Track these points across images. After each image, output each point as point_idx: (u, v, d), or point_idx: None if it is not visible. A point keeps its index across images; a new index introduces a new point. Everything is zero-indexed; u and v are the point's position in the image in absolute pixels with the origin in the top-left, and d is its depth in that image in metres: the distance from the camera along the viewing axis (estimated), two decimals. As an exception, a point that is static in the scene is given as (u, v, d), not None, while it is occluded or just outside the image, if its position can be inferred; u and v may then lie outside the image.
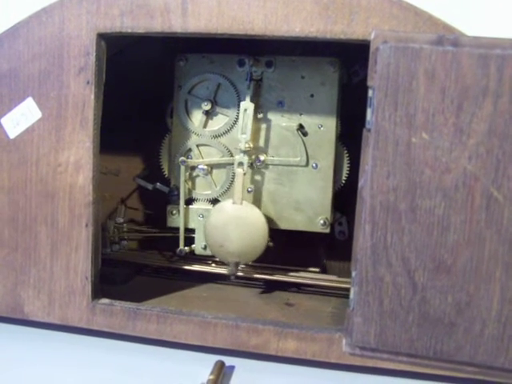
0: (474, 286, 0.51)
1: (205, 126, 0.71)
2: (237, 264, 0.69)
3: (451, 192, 0.50)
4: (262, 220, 0.68)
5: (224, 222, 0.68)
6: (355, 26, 0.55)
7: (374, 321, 0.53)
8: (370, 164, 0.52)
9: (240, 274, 0.73)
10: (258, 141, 0.70)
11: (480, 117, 0.49)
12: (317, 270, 0.75)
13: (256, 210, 0.68)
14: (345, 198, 0.71)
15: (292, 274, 0.74)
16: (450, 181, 0.50)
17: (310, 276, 0.74)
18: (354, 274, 0.54)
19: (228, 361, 0.60)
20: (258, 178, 0.70)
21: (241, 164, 0.69)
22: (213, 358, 0.60)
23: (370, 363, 0.57)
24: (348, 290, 0.69)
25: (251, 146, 0.68)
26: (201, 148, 0.71)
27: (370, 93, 0.52)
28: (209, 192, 0.72)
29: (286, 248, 0.75)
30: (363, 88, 0.53)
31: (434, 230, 0.51)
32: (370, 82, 0.52)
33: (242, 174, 0.68)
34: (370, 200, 0.52)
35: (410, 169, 0.51)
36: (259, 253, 0.69)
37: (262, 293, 0.73)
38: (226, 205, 0.68)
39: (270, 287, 0.74)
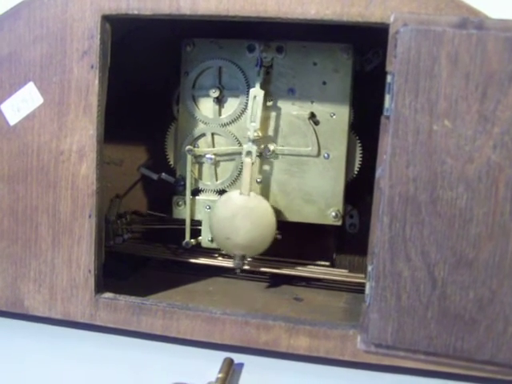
0: (496, 281, 0.49)
1: (219, 114, 0.69)
2: (243, 257, 0.67)
3: (474, 183, 0.48)
4: (270, 212, 0.66)
5: (231, 213, 0.66)
6: (373, 8, 0.52)
7: (392, 317, 0.51)
8: (388, 153, 0.50)
9: (247, 267, 0.71)
10: (268, 130, 0.67)
11: (505, 104, 0.47)
12: (327, 263, 0.73)
13: (264, 202, 0.66)
14: (355, 190, 0.69)
15: (301, 267, 0.72)
16: (473, 171, 0.48)
17: (319, 270, 0.72)
18: (370, 268, 0.52)
19: (237, 358, 0.58)
20: (267, 168, 0.68)
21: (249, 153, 0.67)
22: (221, 355, 0.58)
23: (386, 361, 0.55)
24: (360, 284, 0.68)
25: (260, 134, 0.66)
26: (208, 137, 0.69)
27: (388, 78, 0.50)
28: (216, 182, 0.70)
29: (294, 241, 0.73)
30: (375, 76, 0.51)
31: (455, 223, 0.49)
32: (388, 67, 0.50)
33: (251, 164, 0.66)
34: (389, 191, 0.50)
35: (430, 158, 0.49)
36: (266, 246, 0.67)
37: (270, 287, 0.71)
38: (233, 196, 0.66)
39: (277, 281, 0.72)
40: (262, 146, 0.67)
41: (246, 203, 0.66)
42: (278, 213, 0.68)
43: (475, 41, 0.47)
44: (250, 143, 0.67)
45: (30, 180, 0.61)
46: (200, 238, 0.71)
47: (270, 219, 0.66)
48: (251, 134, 0.66)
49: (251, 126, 0.66)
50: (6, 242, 0.63)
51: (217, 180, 0.70)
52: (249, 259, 0.71)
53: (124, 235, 0.75)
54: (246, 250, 0.67)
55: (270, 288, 0.71)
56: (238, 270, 0.68)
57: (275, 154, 0.68)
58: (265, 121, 0.67)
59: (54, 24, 0.58)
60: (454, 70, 0.48)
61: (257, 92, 0.66)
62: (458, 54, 0.47)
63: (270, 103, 0.67)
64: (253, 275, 0.73)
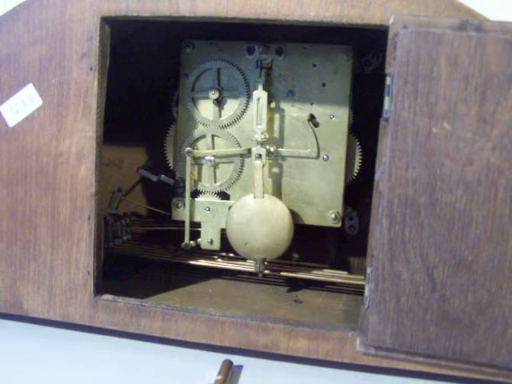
0: (496, 284, 0.49)
1: (220, 115, 0.68)
2: (263, 260, 0.67)
3: (473, 185, 0.48)
4: (286, 212, 0.66)
5: (247, 218, 0.66)
6: (373, 10, 0.52)
7: (391, 319, 0.51)
8: (387, 155, 0.50)
9: (246, 269, 0.71)
10: (268, 131, 0.67)
11: (505, 106, 0.47)
12: (326, 265, 0.73)
13: (279, 203, 0.66)
14: (355, 192, 0.69)
15: (301, 269, 0.72)
16: (472, 173, 0.48)
17: (319, 272, 0.72)
18: (369, 270, 0.52)
19: (236, 360, 0.58)
20: (266, 170, 0.68)
21: (259, 156, 0.66)
22: (220, 357, 0.58)
23: (385, 363, 0.55)
24: (359, 286, 0.68)
25: (267, 136, 0.66)
26: (208, 139, 0.69)
27: (387, 80, 0.50)
28: (216, 184, 0.70)
29: (294, 243, 0.73)
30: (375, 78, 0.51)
31: (454, 225, 0.49)
32: (388, 69, 0.50)
33: (261, 166, 0.66)
34: (388, 193, 0.50)
35: (430, 160, 0.49)
36: (285, 247, 0.67)
37: (270, 289, 0.71)
38: (248, 200, 0.66)
39: (277, 283, 0.72)
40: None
41: (261, 206, 0.66)
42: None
43: (474, 43, 0.47)
44: (259, 146, 0.66)
45: (29, 182, 0.61)
46: (199, 239, 0.70)
47: (287, 220, 0.66)
48: (259, 137, 0.66)
49: (258, 128, 0.66)
50: (5, 244, 0.63)
51: (215, 182, 0.70)
52: (248, 261, 0.71)
53: (123, 236, 0.75)
54: (265, 253, 0.67)
55: (270, 290, 0.70)
56: (260, 274, 0.68)
57: (275, 156, 0.68)
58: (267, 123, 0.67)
59: (53, 26, 0.58)
60: (453, 72, 0.47)
61: (260, 94, 0.65)
62: (458, 56, 0.47)
63: (273, 105, 0.67)
64: (253, 277, 0.73)
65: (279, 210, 0.66)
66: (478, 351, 0.50)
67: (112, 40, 0.59)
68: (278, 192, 0.68)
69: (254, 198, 0.66)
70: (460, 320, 0.50)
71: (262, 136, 0.66)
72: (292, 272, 0.71)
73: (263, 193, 0.66)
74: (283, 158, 0.67)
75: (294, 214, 0.68)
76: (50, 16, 0.58)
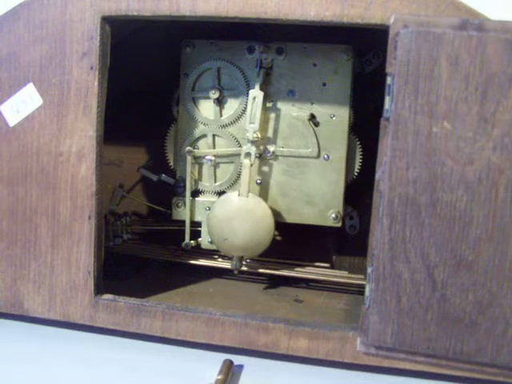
0: (496, 283, 0.49)
1: (221, 115, 0.68)
2: (241, 258, 0.67)
3: (474, 185, 0.48)
4: (269, 214, 0.66)
5: (229, 214, 0.66)
6: (373, 9, 0.52)
7: (391, 319, 0.51)
8: (388, 155, 0.50)
9: (246, 269, 0.71)
10: (268, 131, 0.67)
11: (505, 106, 0.47)
12: (327, 265, 0.73)
13: (262, 203, 0.66)
14: (355, 191, 0.69)
15: (301, 269, 0.72)
16: (472, 173, 0.48)
17: (319, 271, 0.72)
18: (369, 270, 0.52)
19: (236, 360, 0.58)
20: (266, 169, 0.68)
21: (248, 155, 0.66)
22: (220, 357, 0.58)
23: (386, 363, 0.55)
24: (360, 286, 0.68)
25: (259, 136, 0.66)
26: (209, 138, 0.69)
27: (388, 80, 0.50)
28: (216, 184, 0.70)
29: (294, 242, 0.73)
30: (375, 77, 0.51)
31: (455, 225, 0.49)
32: (388, 69, 0.50)
33: (249, 166, 0.66)
34: (389, 192, 0.50)
35: (430, 160, 0.49)
36: (264, 248, 0.67)
37: (270, 289, 0.71)
38: (232, 197, 0.66)
39: (277, 283, 0.72)
40: (262, 148, 0.67)
41: (245, 205, 0.66)
42: (277, 214, 0.67)
43: (475, 42, 0.47)
44: (249, 144, 0.66)
45: (30, 181, 0.61)
46: (200, 239, 0.70)
47: (269, 221, 0.66)
48: (250, 136, 0.66)
49: (250, 127, 0.66)
50: (6, 244, 0.63)
51: (215, 182, 0.70)
52: (248, 261, 0.71)
53: (123, 236, 0.75)
54: (243, 251, 0.67)
55: (270, 289, 0.70)
56: (235, 271, 0.68)
57: (275, 156, 0.67)
58: (265, 122, 0.67)
59: (54, 25, 0.58)
60: (453, 72, 0.47)
61: (256, 93, 0.65)
62: (458, 55, 0.47)
63: (269, 104, 0.67)
64: (253, 277, 0.73)
65: (262, 210, 0.66)
66: (478, 351, 0.50)
67: (112, 39, 0.59)
68: (278, 191, 0.68)
69: (239, 195, 0.66)
70: (461, 320, 0.50)
71: (254, 135, 0.66)
72: (293, 271, 0.71)
73: (248, 191, 0.65)
74: (283, 157, 0.67)
75: (294, 214, 0.68)
76: (51, 15, 0.58)
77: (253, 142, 0.66)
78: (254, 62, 0.67)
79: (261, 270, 0.72)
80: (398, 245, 0.50)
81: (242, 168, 0.66)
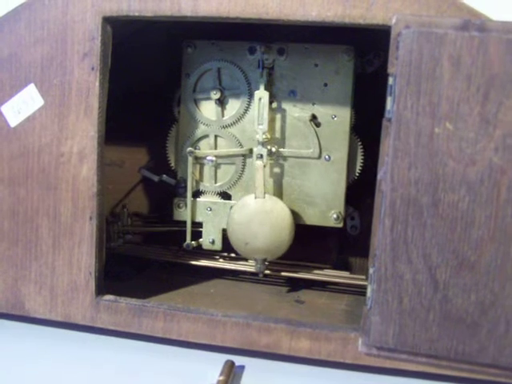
0: (498, 284, 0.49)
1: (223, 115, 0.68)
2: (264, 261, 0.67)
3: (476, 185, 0.48)
4: (287, 212, 0.66)
5: (248, 218, 0.65)
6: (375, 10, 0.52)
7: (393, 320, 0.51)
8: (390, 155, 0.50)
9: (248, 269, 0.71)
10: (270, 132, 0.67)
11: (507, 106, 0.47)
12: (328, 265, 0.73)
13: (280, 203, 0.66)
14: (356, 192, 0.69)
15: (302, 269, 0.72)
16: (474, 173, 0.48)
17: (320, 272, 0.72)
18: (371, 270, 0.52)
19: (238, 360, 0.58)
20: (268, 170, 0.68)
21: (260, 156, 0.66)
22: (222, 358, 0.58)
23: (387, 364, 0.55)
24: (361, 286, 0.68)
25: (269, 136, 0.66)
26: (210, 138, 0.69)
27: (390, 80, 0.50)
28: (215, 185, 0.70)
29: (295, 243, 0.73)
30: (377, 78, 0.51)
31: (457, 226, 0.49)
32: (390, 69, 0.49)
33: (262, 167, 0.66)
34: (390, 193, 0.50)
35: (432, 161, 0.49)
36: (286, 247, 0.67)
37: (271, 289, 0.70)
38: (249, 200, 0.66)
39: (279, 284, 0.72)
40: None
41: (262, 207, 0.65)
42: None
43: (477, 43, 0.47)
44: (260, 146, 0.66)
45: (31, 182, 0.61)
46: (201, 239, 0.70)
47: (288, 220, 0.66)
48: (260, 137, 0.66)
49: (259, 128, 0.66)
50: (7, 244, 0.63)
51: (216, 182, 0.70)
52: (250, 261, 0.71)
53: (125, 237, 0.75)
54: (266, 253, 0.66)
55: (272, 290, 0.70)
56: (260, 275, 0.68)
57: (276, 156, 0.67)
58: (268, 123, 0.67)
59: (55, 26, 0.58)
60: (455, 73, 0.47)
61: (262, 94, 0.65)
62: (460, 56, 0.47)
63: (275, 105, 0.67)
64: (254, 277, 0.73)
65: (280, 210, 0.66)
66: (480, 351, 0.50)
67: (113, 40, 0.59)
68: (279, 192, 0.68)
69: (255, 198, 0.66)
70: (463, 320, 0.50)
71: (264, 136, 0.66)
72: (294, 272, 0.71)
73: (264, 193, 0.65)
74: (285, 158, 0.67)
75: (295, 215, 0.68)
76: (52, 16, 0.58)
77: (263, 143, 0.66)
78: (255, 63, 0.67)
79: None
80: (400, 245, 0.50)
81: (254, 170, 0.66)
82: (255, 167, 0.66)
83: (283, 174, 0.68)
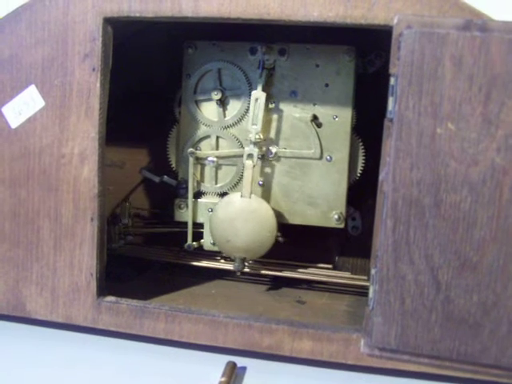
0: (501, 284, 0.49)
1: (224, 115, 0.68)
2: (243, 260, 0.67)
3: (478, 186, 0.48)
4: (271, 215, 0.66)
5: (232, 215, 0.66)
6: (376, 10, 0.52)
7: (395, 321, 0.51)
8: (392, 156, 0.49)
9: (249, 270, 0.71)
10: (270, 132, 0.67)
11: (510, 106, 0.47)
12: (329, 266, 0.73)
13: (265, 205, 0.66)
14: (358, 192, 0.69)
15: (303, 270, 0.72)
16: (477, 174, 0.48)
17: (322, 273, 0.72)
18: (373, 271, 0.52)
19: (239, 362, 0.58)
20: (269, 170, 0.68)
21: (250, 156, 0.66)
22: (223, 359, 0.58)
23: (390, 365, 0.55)
24: (362, 287, 0.68)
25: (262, 137, 0.66)
26: (212, 139, 0.69)
27: (392, 81, 0.50)
28: (216, 185, 0.69)
29: (297, 243, 0.73)
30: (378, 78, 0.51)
31: (459, 226, 0.49)
32: (392, 70, 0.49)
33: (252, 167, 0.66)
34: (392, 194, 0.50)
35: (434, 161, 0.49)
36: (266, 249, 0.67)
37: (273, 290, 0.70)
38: (234, 198, 0.66)
39: (280, 284, 0.72)
40: (264, 149, 0.67)
41: (247, 206, 0.65)
42: (280, 215, 0.67)
43: (479, 43, 0.46)
44: (252, 146, 0.66)
45: (32, 183, 0.61)
46: (202, 240, 0.70)
47: (271, 222, 0.66)
48: (253, 137, 0.66)
49: (253, 128, 0.66)
50: (8, 246, 0.63)
51: (216, 183, 0.70)
52: (250, 262, 0.71)
53: (126, 238, 0.75)
54: (246, 252, 0.66)
55: (273, 291, 0.70)
56: (238, 273, 0.68)
57: (277, 157, 0.67)
58: (267, 123, 0.67)
59: (56, 27, 0.58)
60: (457, 73, 0.47)
61: (258, 94, 0.65)
62: (462, 56, 0.47)
63: (272, 105, 0.67)
64: (255, 278, 0.73)
65: (264, 211, 0.65)
66: (482, 352, 0.50)
67: (114, 41, 0.59)
68: (280, 193, 0.68)
69: (241, 196, 0.65)
70: (465, 321, 0.50)
71: (256, 136, 0.66)
72: (295, 273, 0.71)
73: (250, 193, 0.65)
74: (286, 158, 0.67)
75: (296, 215, 0.68)
76: (53, 17, 0.58)
77: (255, 144, 0.66)
78: (256, 63, 0.66)
79: (263, 272, 0.72)
80: (402, 246, 0.50)
81: (244, 169, 0.66)
82: (245, 166, 0.66)
83: (284, 175, 0.68)
